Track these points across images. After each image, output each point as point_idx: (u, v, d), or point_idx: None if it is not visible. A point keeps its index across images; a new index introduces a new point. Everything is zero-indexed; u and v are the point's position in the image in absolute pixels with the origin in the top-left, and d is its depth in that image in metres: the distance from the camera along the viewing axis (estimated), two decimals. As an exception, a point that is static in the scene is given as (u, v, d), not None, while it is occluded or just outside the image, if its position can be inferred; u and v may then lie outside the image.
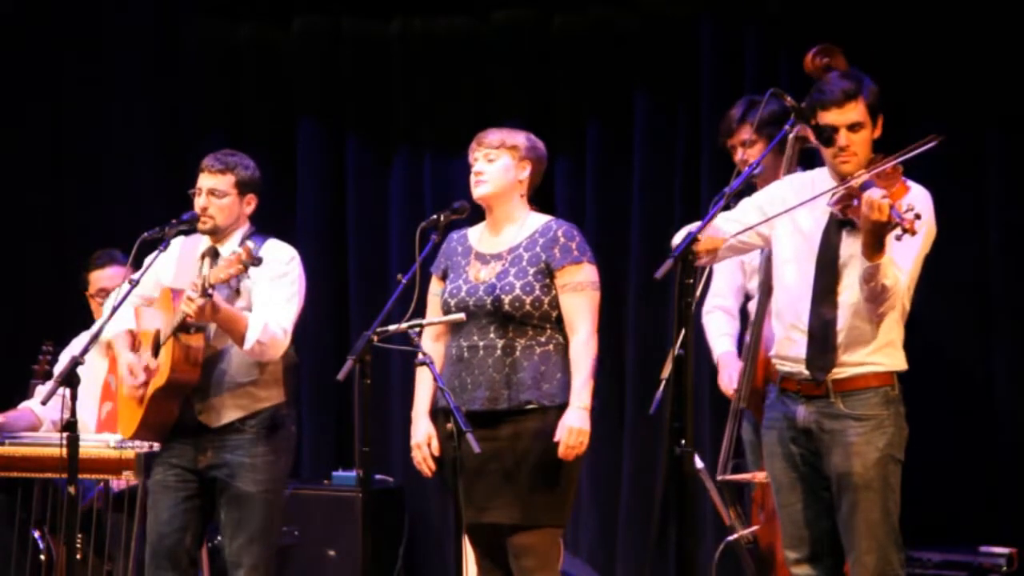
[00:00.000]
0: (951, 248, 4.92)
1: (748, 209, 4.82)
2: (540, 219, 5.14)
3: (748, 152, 5.51)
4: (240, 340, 5.17)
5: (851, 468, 4.63)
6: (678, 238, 4.61)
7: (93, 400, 6.20)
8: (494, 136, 5.12)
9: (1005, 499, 6.26)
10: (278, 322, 5.20)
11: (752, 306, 5.75)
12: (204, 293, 5.00)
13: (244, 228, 5.37)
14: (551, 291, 5.04)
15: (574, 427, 4.94)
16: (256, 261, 4.98)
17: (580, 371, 4.99)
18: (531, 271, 5.04)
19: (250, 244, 5.08)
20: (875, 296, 4.56)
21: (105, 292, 6.26)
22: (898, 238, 4.37)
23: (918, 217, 4.32)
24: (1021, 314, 6.29)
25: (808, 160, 5.34)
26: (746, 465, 5.67)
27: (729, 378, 5.63)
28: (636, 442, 6.93)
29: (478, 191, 5.10)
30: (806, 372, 4.71)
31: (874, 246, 4.45)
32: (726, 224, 4.73)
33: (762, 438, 4.89)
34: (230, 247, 5.31)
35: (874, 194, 4.40)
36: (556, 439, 4.94)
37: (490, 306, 5.02)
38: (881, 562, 4.64)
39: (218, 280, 5.02)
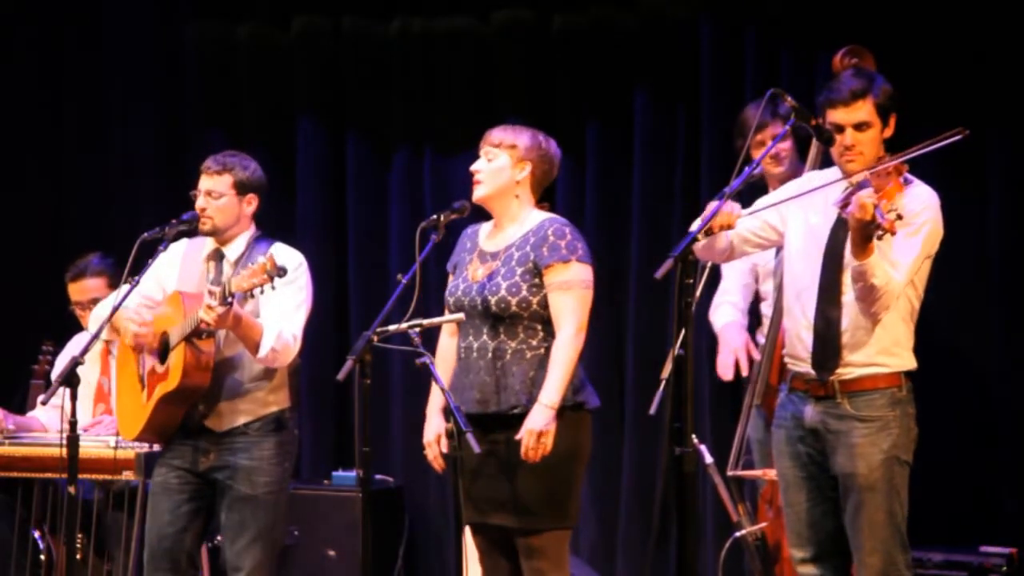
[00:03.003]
0: (950, 248, 4.92)
1: (763, 201, 4.84)
2: (538, 217, 5.09)
3: (779, 147, 5.55)
4: (254, 348, 5.16)
5: (855, 469, 4.63)
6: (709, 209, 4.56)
7: (87, 402, 6.21)
8: (496, 134, 5.08)
9: (1005, 499, 6.27)
10: (290, 329, 5.20)
11: (764, 308, 5.77)
12: (224, 301, 4.99)
13: (249, 230, 5.37)
14: (540, 290, 4.98)
15: (534, 429, 4.84)
16: (281, 272, 4.93)
17: (555, 368, 4.89)
18: (519, 271, 4.99)
19: (273, 254, 5.01)
20: (865, 295, 4.55)
21: (81, 305, 6.26)
22: (879, 238, 4.37)
23: (899, 218, 4.33)
24: (1021, 314, 6.29)
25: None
26: (753, 463, 5.68)
27: (723, 364, 5.61)
28: (636, 442, 6.92)
29: (475, 192, 5.07)
30: (812, 372, 4.71)
31: (860, 245, 4.45)
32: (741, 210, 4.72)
33: (772, 436, 4.89)
34: (235, 249, 5.32)
35: (863, 194, 4.40)
36: (517, 437, 4.88)
37: (480, 306, 5.00)
38: (885, 563, 4.63)
39: (240, 289, 4.98)
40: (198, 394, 5.23)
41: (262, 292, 5.03)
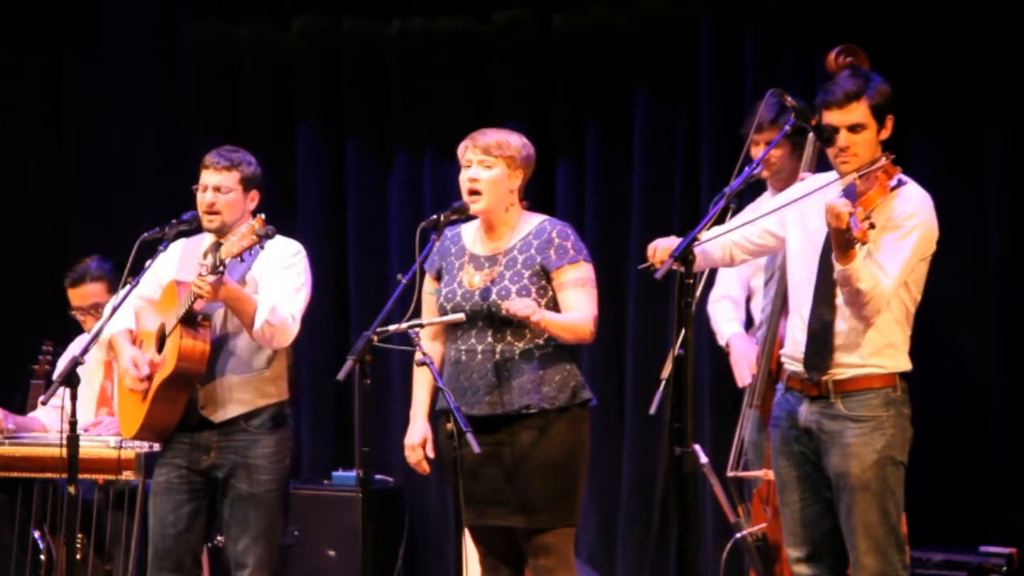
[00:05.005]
0: (950, 248, 4.92)
1: (759, 206, 4.84)
2: (534, 220, 5.09)
3: (773, 152, 5.51)
4: (249, 322, 5.15)
5: (848, 469, 4.63)
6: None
7: (90, 405, 6.21)
8: (491, 138, 5.03)
9: (1005, 499, 6.27)
10: (288, 308, 5.18)
11: (754, 305, 5.77)
12: (215, 271, 4.98)
13: (248, 223, 5.37)
14: (547, 293, 5.01)
15: (515, 308, 4.82)
16: (270, 232, 4.95)
17: (563, 316, 4.91)
18: (526, 274, 5.00)
19: (262, 216, 5.03)
20: (852, 300, 4.55)
21: (82, 310, 6.26)
22: (851, 245, 4.38)
23: (872, 227, 4.34)
24: (1021, 314, 6.29)
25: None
26: (750, 464, 5.69)
27: (741, 373, 5.62)
28: (636, 442, 6.93)
29: (474, 206, 5.02)
30: (806, 372, 4.71)
31: (841, 250, 4.46)
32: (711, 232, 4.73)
33: (768, 436, 4.90)
34: (235, 239, 5.30)
35: (836, 201, 4.40)
36: (505, 309, 4.85)
37: (486, 311, 4.99)
38: (881, 563, 4.64)
39: (230, 255, 4.98)
40: (195, 379, 5.21)
41: (246, 271, 5.02)
